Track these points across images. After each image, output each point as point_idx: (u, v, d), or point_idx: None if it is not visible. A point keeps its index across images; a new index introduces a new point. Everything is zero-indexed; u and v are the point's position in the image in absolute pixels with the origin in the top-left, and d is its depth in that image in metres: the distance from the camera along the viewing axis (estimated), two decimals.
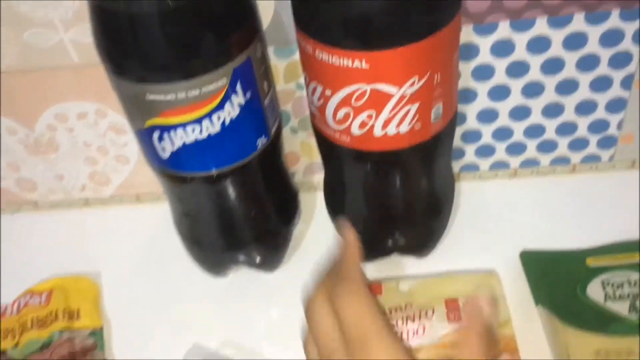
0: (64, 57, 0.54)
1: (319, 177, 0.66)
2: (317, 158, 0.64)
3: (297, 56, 0.55)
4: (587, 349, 0.48)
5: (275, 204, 0.55)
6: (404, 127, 0.43)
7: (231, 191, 0.51)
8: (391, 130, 0.44)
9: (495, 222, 0.60)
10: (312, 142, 0.62)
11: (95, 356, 0.53)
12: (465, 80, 0.56)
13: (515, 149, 0.62)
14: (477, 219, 0.60)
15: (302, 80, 0.57)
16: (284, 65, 0.55)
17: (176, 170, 0.47)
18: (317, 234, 0.62)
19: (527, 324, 0.51)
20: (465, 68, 0.55)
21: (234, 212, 0.53)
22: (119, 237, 0.65)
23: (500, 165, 0.63)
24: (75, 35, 0.53)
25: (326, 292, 0.40)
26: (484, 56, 0.54)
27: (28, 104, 0.59)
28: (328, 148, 0.49)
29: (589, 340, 0.48)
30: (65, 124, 0.60)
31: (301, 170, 0.65)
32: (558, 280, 0.53)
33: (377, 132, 0.44)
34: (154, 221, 0.66)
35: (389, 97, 0.42)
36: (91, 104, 0.59)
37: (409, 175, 0.51)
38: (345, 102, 0.43)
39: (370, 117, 0.43)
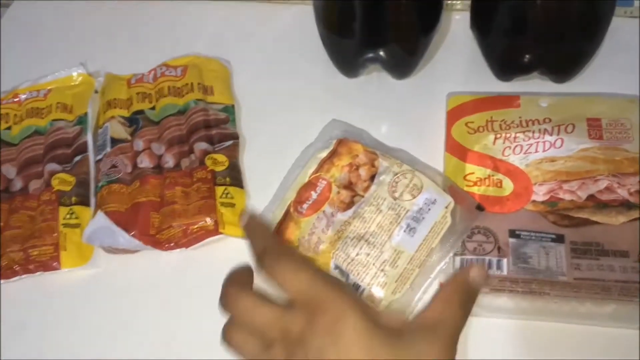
0: None
1: None
2: None
3: None
4: None
5: (423, 4, 0.54)
6: None
7: None
8: None
9: None
10: None
11: (228, 128, 0.55)
12: None
13: None
14: (625, 51, 0.57)
15: None
16: None
17: None
18: (448, 53, 0.61)
19: None
20: None
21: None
22: (248, 33, 0.65)
23: None
24: None
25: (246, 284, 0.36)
26: None
27: None
28: None
29: None
30: None
31: None
32: None
33: None
34: (284, 20, 0.66)
35: None
36: None
37: None
38: None
39: None
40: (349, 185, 0.46)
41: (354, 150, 0.47)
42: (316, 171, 0.47)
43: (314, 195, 0.46)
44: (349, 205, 0.45)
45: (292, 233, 0.45)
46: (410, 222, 0.44)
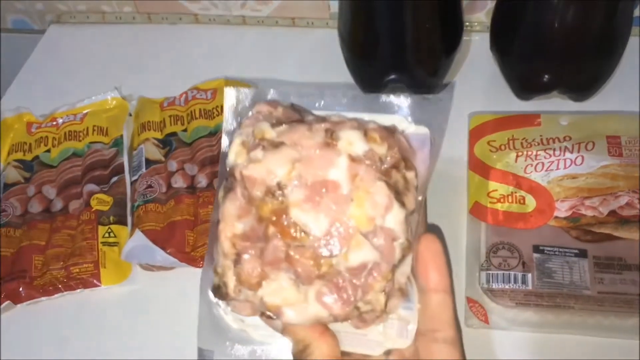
0: None
1: (477, 17, 0.65)
2: None
3: None
4: None
5: (444, 27, 0.56)
6: None
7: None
8: None
9: None
10: None
11: None
12: None
13: None
14: None
15: None
16: None
17: None
18: (469, 73, 0.63)
19: None
20: None
21: (406, 24, 0.53)
22: (274, 54, 0.68)
23: None
24: None
25: None
26: None
27: None
28: None
29: None
30: None
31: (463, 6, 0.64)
32: None
33: None
34: (308, 44, 0.68)
35: None
36: None
37: (591, 3, 0.50)
38: None
39: None
40: None
41: None
42: None
43: None
44: None
45: None
46: None
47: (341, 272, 0.30)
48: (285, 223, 0.30)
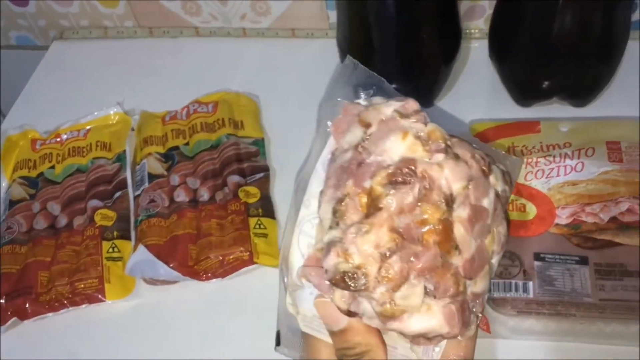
0: None
1: (476, 24, 0.65)
2: None
3: None
4: None
5: (443, 36, 0.56)
6: None
7: (408, 8, 0.52)
8: None
9: None
10: None
11: (259, 161, 0.57)
12: None
13: None
14: None
15: None
16: None
17: None
18: (469, 80, 0.63)
19: None
20: None
21: (404, 34, 0.54)
22: (274, 66, 0.68)
23: None
24: None
25: None
26: None
27: None
28: None
29: None
30: None
31: (461, 14, 0.64)
32: None
33: None
34: (308, 54, 0.69)
35: None
36: None
37: (589, 9, 0.50)
38: None
39: None
40: None
41: None
42: None
43: None
44: None
45: None
46: None
47: (467, 295, 0.31)
48: (447, 236, 0.30)
